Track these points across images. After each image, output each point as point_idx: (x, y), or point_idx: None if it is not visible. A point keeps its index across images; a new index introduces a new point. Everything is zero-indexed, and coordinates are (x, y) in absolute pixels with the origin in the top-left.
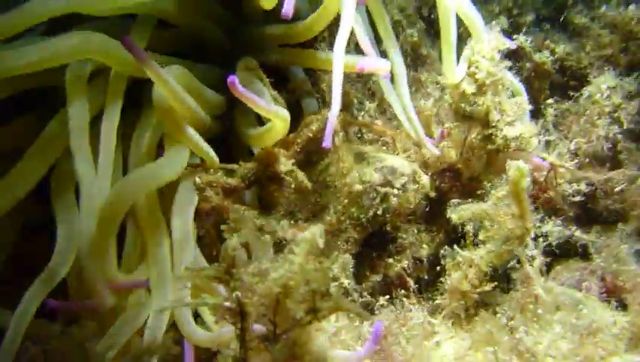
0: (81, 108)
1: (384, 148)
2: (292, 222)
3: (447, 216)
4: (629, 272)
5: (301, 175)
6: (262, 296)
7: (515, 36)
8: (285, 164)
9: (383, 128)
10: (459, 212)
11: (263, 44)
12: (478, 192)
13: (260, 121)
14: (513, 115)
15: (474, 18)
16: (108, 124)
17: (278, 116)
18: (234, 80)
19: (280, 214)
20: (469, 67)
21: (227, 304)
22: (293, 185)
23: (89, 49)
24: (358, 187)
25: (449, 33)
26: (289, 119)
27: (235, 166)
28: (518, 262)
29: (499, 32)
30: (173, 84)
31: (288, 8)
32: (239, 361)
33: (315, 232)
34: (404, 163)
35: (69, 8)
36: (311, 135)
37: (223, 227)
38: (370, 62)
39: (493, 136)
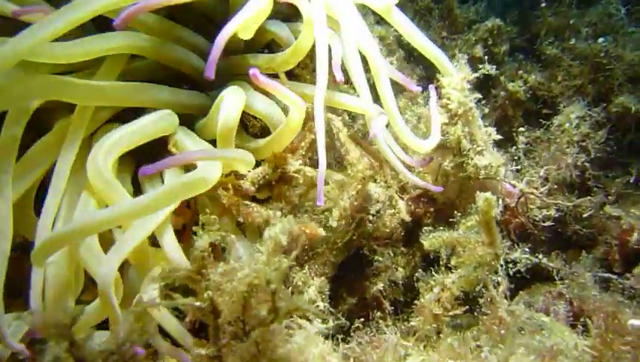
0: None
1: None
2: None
3: (420, 237)
4: (591, 297)
5: (310, 171)
6: (230, 295)
7: (481, 66)
8: (294, 165)
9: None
10: (430, 240)
11: (243, 73)
12: (452, 219)
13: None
14: (483, 145)
15: (436, 55)
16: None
17: (298, 105)
18: (255, 71)
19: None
20: (440, 98)
21: (198, 304)
22: (302, 181)
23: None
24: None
25: (386, 101)
26: (305, 111)
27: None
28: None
29: (465, 64)
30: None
31: (210, 73)
32: (214, 359)
33: (277, 231)
34: (378, 190)
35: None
36: (314, 137)
37: (194, 228)
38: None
39: (464, 165)
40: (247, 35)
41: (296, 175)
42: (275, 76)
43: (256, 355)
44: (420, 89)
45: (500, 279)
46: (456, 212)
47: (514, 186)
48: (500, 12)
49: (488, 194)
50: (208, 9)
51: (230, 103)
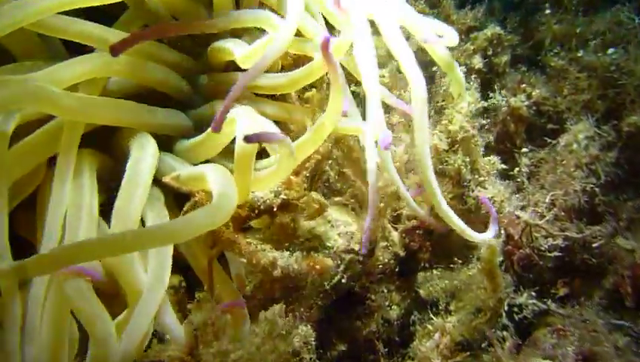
0: None
1: (352, 200)
2: (304, 253)
3: (416, 284)
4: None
5: (318, 197)
6: None
7: (491, 94)
8: (298, 191)
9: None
10: (428, 288)
11: (226, 90)
12: (451, 265)
13: None
14: (485, 175)
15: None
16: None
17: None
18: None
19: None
20: (441, 121)
21: None
22: (308, 211)
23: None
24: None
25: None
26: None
27: None
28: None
29: (476, 89)
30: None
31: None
32: None
33: (275, 312)
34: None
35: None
36: (320, 157)
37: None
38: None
39: (464, 196)
40: (246, 64)
41: (299, 203)
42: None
43: None
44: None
45: (506, 334)
46: (456, 258)
47: (518, 217)
48: (501, 18)
49: (492, 241)
50: None
51: (246, 125)
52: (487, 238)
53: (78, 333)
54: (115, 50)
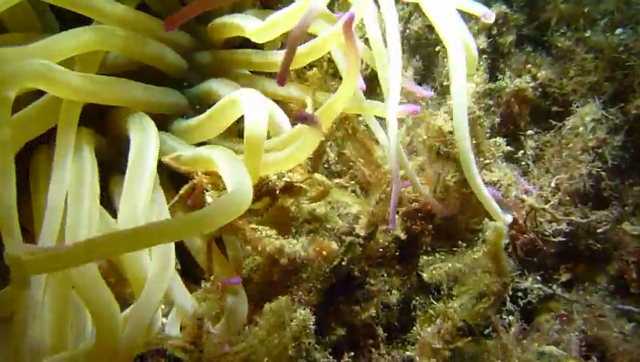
0: None
1: (352, 182)
2: (309, 236)
3: (419, 267)
4: (613, 339)
5: (322, 178)
6: None
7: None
8: (301, 173)
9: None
10: (430, 271)
11: (226, 68)
12: (455, 248)
13: None
14: (491, 158)
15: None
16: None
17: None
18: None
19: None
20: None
21: None
22: (311, 194)
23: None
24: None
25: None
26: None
27: None
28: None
29: (485, 70)
30: None
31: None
32: None
33: (282, 305)
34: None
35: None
36: (324, 138)
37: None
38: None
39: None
40: (261, 40)
41: (303, 185)
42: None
43: None
44: (431, 93)
45: (511, 319)
46: (463, 242)
47: (522, 201)
48: None
49: (498, 224)
50: None
51: (255, 107)
52: (509, 220)
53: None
54: (171, 23)
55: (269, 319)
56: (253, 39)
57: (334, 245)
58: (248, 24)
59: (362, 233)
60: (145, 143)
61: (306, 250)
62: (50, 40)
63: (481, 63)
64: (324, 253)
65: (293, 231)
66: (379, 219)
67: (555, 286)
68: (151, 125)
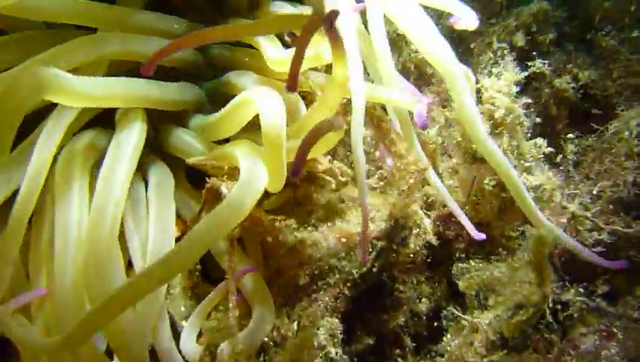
0: None
1: (382, 183)
2: (329, 224)
3: (453, 275)
4: None
5: (343, 168)
6: None
7: (530, 63)
8: (322, 163)
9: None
10: (467, 280)
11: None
12: (492, 257)
13: None
14: (532, 160)
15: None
16: None
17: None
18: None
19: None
20: (481, 104)
21: None
22: (333, 185)
23: None
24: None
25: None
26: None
27: None
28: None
29: (511, 62)
30: None
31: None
32: None
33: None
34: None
35: None
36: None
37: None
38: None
39: None
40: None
41: (324, 175)
42: None
43: None
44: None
45: (551, 336)
46: (501, 249)
47: (564, 208)
48: None
49: (543, 232)
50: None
51: (271, 105)
52: (546, 223)
53: None
54: (148, 68)
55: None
56: (270, 66)
57: (354, 230)
58: (269, 49)
59: (396, 238)
60: (123, 139)
61: (326, 237)
62: (53, 53)
63: (508, 59)
64: (344, 239)
65: (312, 221)
66: (399, 214)
67: (598, 300)
68: (138, 120)
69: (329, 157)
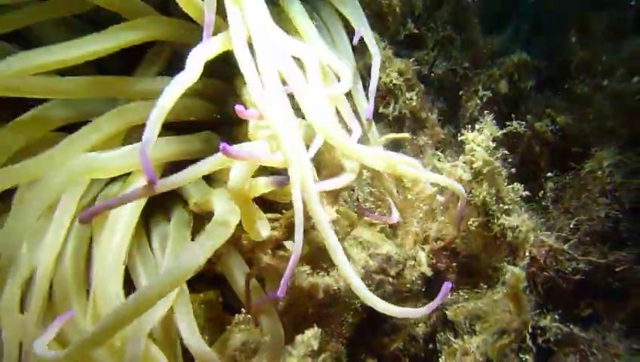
0: None
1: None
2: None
3: (444, 305)
4: None
5: (347, 211)
6: None
7: (509, 123)
8: (330, 213)
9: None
10: (454, 310)
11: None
12: (477, 290)
13: None
14: (510, 203)
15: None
16: None
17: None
18: (225, 147)
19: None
20: (464, 154)
21: None
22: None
23: None
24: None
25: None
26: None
27: (277, 215)
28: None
29: (491, 121)
30: None
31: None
32: None
33: (310, 335)
34: (394, 249)
35: None
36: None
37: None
38: None
39: (490, 224)
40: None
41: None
42: None
43: None
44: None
45: (527, 357)
46: (482, 284)
47: (543, 241)
48: (526, 42)
49: (517, 270)
50: None
51: (239, 166)
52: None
53: None
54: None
55: (300, 350)
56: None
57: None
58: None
59: (392, 272)
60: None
61: (337, 281)
62: (75, 137)
63: (487, 116)
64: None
65: (324, 266)
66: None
67: (572, 326)
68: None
69: (335, 207)
